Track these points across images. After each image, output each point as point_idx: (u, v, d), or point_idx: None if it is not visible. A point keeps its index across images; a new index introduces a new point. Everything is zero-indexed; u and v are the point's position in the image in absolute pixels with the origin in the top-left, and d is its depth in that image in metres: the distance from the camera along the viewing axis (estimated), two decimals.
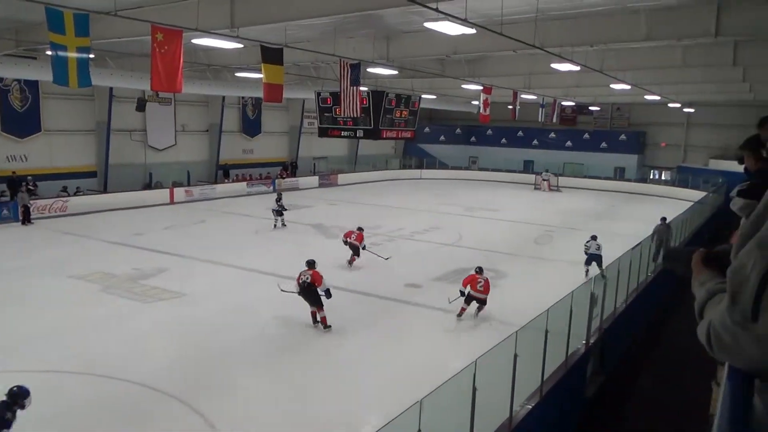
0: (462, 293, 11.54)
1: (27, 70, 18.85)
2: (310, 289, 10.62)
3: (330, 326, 10.78)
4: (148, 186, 27.61)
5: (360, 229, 15.95)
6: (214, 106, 30.68)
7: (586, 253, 14.90)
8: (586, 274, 14.46)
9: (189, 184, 28.57)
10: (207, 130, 31.19)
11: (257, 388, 8.54)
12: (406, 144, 42.62)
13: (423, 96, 24.39)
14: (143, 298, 12.61)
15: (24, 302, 12.08)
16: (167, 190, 26.81)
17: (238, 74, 23.19)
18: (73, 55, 10.44)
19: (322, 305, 10.71)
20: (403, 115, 21.60)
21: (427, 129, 42.70)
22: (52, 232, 19.39)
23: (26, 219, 20.69)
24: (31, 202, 21.24)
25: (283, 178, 33.33)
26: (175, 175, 28.29)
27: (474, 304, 11.61)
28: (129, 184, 26.35)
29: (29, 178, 22.83)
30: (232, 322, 11.15)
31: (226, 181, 31.33)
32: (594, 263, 14.51)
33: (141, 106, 25.96)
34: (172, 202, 26.31)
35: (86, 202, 23.54)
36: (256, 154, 34.15)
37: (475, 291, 11.47)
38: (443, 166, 42.30)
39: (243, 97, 31.80)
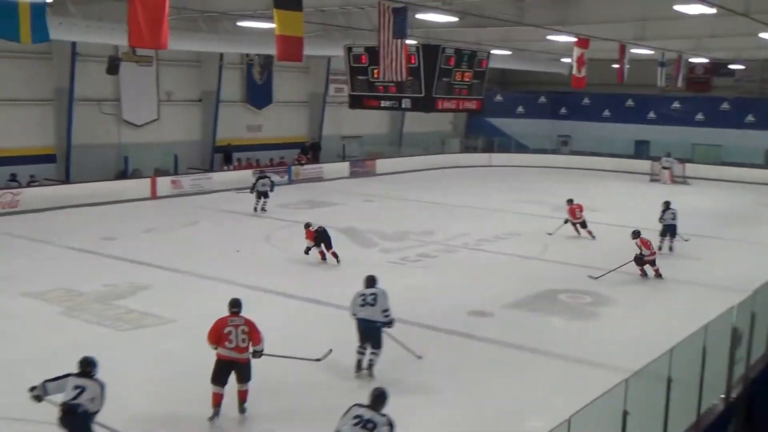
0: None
1: None
2: (325, 233, 17.43)
3: (340, 260, 17.30)
4: (122, 174, 28.07)
5: (569, 201, 21.29)
6: (209, 67, 30.85)
7: (662, 224, 19.00)
8: (660, 249, 18.10)
9: (176, 173, 29.00)
10: (200, 100, 31.46)
11: None
12: (470, 118, 42.53)
13: (493, 52, 24.25)
14: (118, 323, 12.90)
15: None
16: (147, 180, 27.28)
17: (240, 23, 23.40)
18: None
19: (331, 244, 17.39)
20: (465, 79, 21.43)
21: (498, 97, 42.58)
22: None
23: None
24: None
25: (302, 164, 33.47)
26: (158, 160, 28.72)
27: (649, 268, 16.47)
28: (98, 171, 26.81)
29: None
30: None
31: (226, 168, 31.64)
32: (668, 235, 18.76)
33: (113, 67, 26.17)
34: (154, 197, 26.85)
35: (43, 195, 24.18)
36: (265, 133, 34.36)
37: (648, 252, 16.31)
38: (522, 148, 42.14)
39: (248, 55, 32.04)
